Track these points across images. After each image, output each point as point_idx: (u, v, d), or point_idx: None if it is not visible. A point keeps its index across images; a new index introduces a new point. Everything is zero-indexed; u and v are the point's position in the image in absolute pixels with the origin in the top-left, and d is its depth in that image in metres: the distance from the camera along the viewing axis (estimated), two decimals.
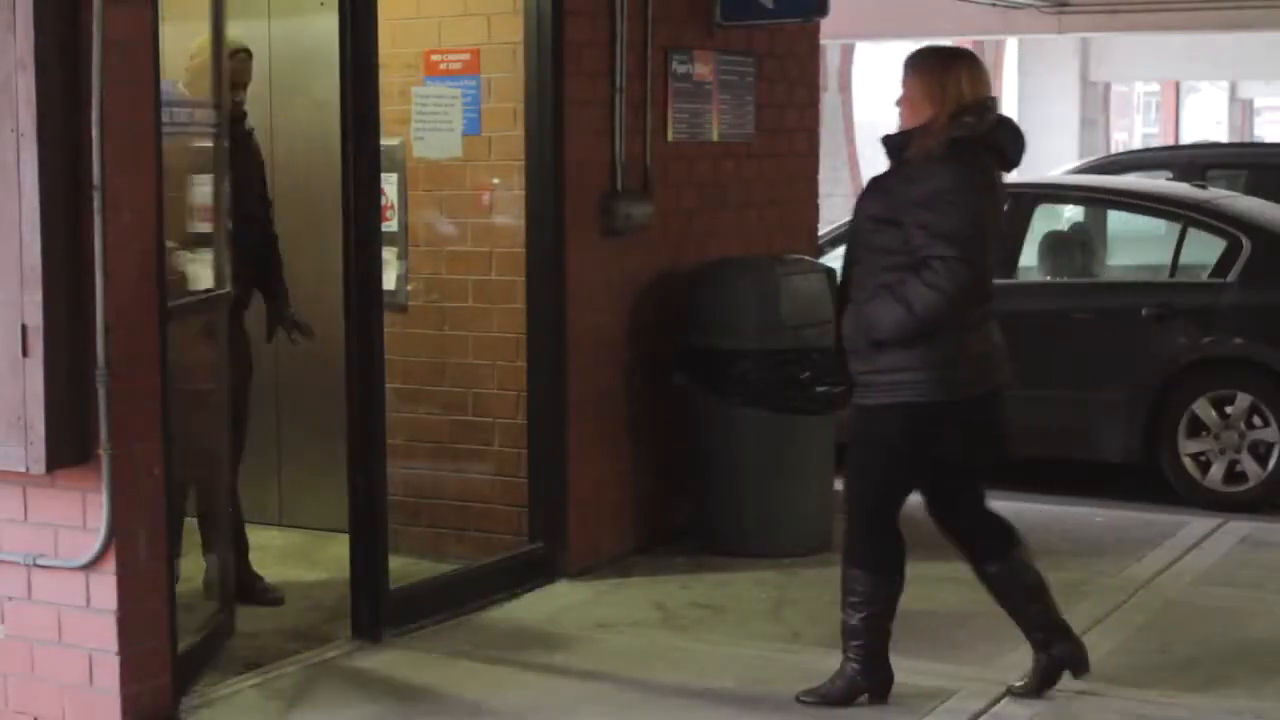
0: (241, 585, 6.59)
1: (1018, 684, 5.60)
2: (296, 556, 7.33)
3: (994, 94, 5.42)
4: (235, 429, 6.53)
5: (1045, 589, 5.58)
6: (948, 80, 5.28)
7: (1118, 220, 10.01)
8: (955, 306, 5.18)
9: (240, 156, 6.44)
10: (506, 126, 7.01)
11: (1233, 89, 36.71)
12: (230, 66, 6.34)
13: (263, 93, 7.52)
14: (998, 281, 8.90)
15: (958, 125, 5.24)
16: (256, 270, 6.63)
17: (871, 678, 5.47)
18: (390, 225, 7.04)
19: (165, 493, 5.29)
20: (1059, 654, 5.55)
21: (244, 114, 6.63)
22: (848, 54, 22.23)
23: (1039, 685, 5.57)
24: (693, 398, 7.44)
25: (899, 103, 5.38)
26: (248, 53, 6.59)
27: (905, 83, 5.38)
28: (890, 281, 5.21)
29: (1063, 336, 9.01)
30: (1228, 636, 6.21)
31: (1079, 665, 5.55)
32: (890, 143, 5.38)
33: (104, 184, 4.96)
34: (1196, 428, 8.67)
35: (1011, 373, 5.51)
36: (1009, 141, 5.39)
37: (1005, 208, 5.49)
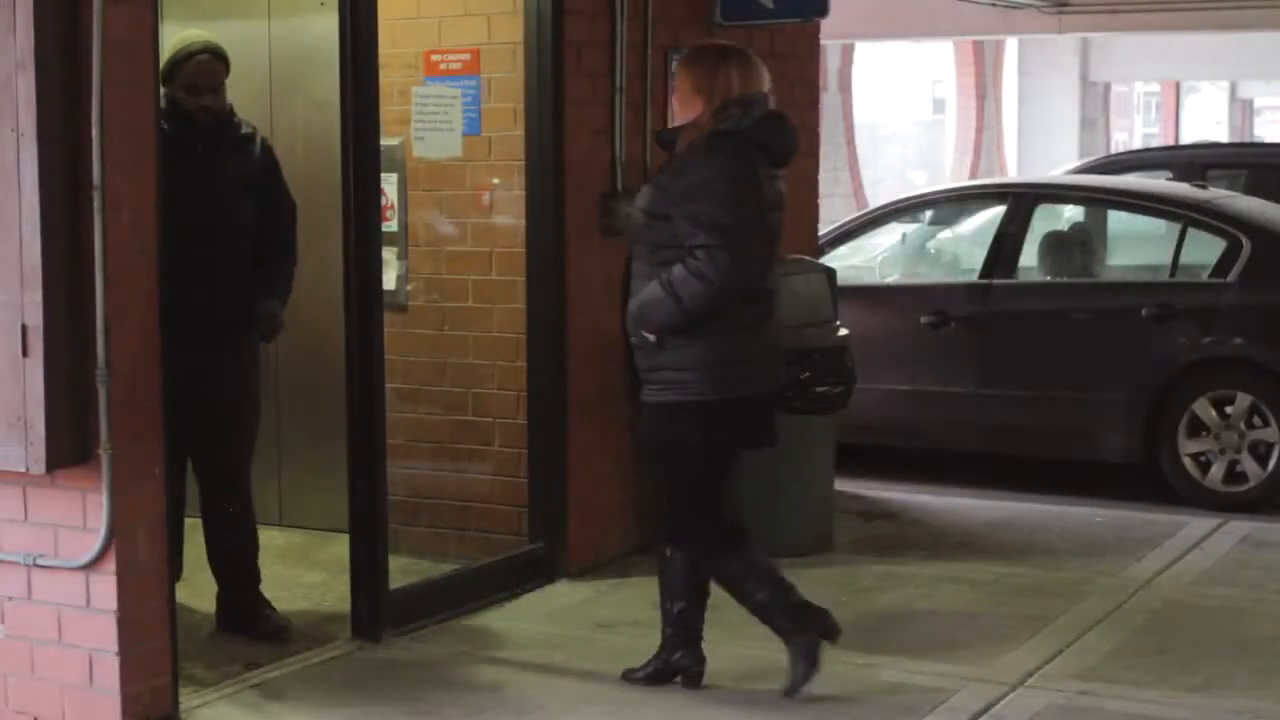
0: (245, 613, 6.31)
1: (638, 670, 5.71)
2: (296, 556, 7.33)
3: (765, 90, 5.49)
4: (232, 453, 6.32)
5: (707, 592, 5.69)
6: (717, 76, 5.38)
7: (1118, 220, 10.01)
8: (721, 294, 5.25)
9: (222, 165, 6.17)
10: (506, 126, 7.02)
11: (1233, 89, 36.74)
12: (189, 69, 6.10)
13: (263, 92, 7.53)
14: (998, 282, 9.15)
15: (721, 119, 5.34)
16: (254, 285, 6.26)
17: (813, 629, 5.51)
18: (390, 225, 7.04)
19: (166, 492, 5.29)
20: (682, 660, 5.68)
21: (225, 119, 6.26)
22: (848, 54, 22.21)
23: (650, 678, 5.70)
24: None
25: (671, 99, 5.53)
26: (212, 53, 6.19)
27: (677, 79, 5.51)
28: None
29: (1063, 336, 9.02)
30: (1228, 636, 6.21)
31: (694, 677, 5.67)
32: (662, 138, 5.55)
33: (104, 184, 4.96)
34: (1196, 428, 8.67)
35: (785, 375, 5.69)
36: (774, 137, 5.45)
37: (780, 203, 5.57)
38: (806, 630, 5.51)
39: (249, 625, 6.25)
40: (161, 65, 5.88)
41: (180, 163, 5.78)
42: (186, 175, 5.89)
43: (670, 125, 5.60)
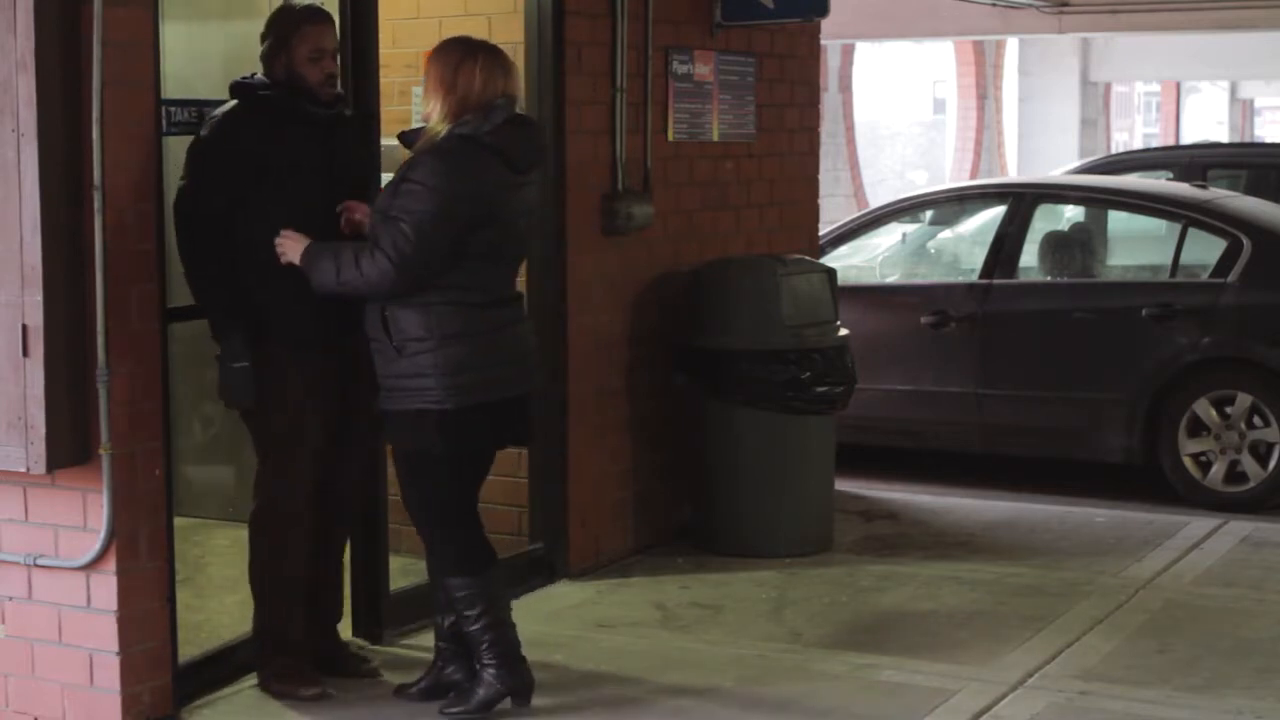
0: (326, 652, 5.85)
1: (411, 686, 5.58)
2: None
3: (514, 93, 5.30)
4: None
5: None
6: (459, 73, 5.19)
7: (1118, 220, 10.01)
8: (371, 293, 5.14)
9: (341, 148, 5.55)
10: None
11: (1233, 89, 36.71)
12: (311, 33, 5.46)
13: None
14: (998, 282, 9.15)
15: (460, 123, 5.17)
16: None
17: (509, 680, 5.37)
18: None
19: (165, 493, 5.29)
20: (454, 674, 5.51)
21: (332, 97, 5.56)
22: (848, 54, 22.20)
23: (424, 694, 5.54)
24: (693, 398, 7.44)
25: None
26: (327, 13, 5.56)
27: (425, 73, 5.30)
28: None
29: (1063, 336, 9.02)
30: (1228, 636, 6.21)
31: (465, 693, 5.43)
32: (404, 139, 5.36)
33: (104, 184, 4.96)
34: (1197, 428, 8.67)
35: (538, 378, 5.54)
36: (514, 145, 5.24)
37: (526, 210, 5.39)
38: (504, 679, 5.35)
39: (338, 662, 5.84)
40: (265, 31, 5.54)
41: (289, 146, 5.41)
42: (300, 160, 5.42)
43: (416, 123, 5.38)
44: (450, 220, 5.11)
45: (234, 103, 5.48)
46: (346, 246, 5.20)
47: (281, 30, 5.48)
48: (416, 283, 5.13)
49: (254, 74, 5.54)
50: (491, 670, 5.34)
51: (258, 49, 5.55)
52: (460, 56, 5.24)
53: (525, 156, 5.31)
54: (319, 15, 5.57)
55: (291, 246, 5.27)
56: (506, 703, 5.39)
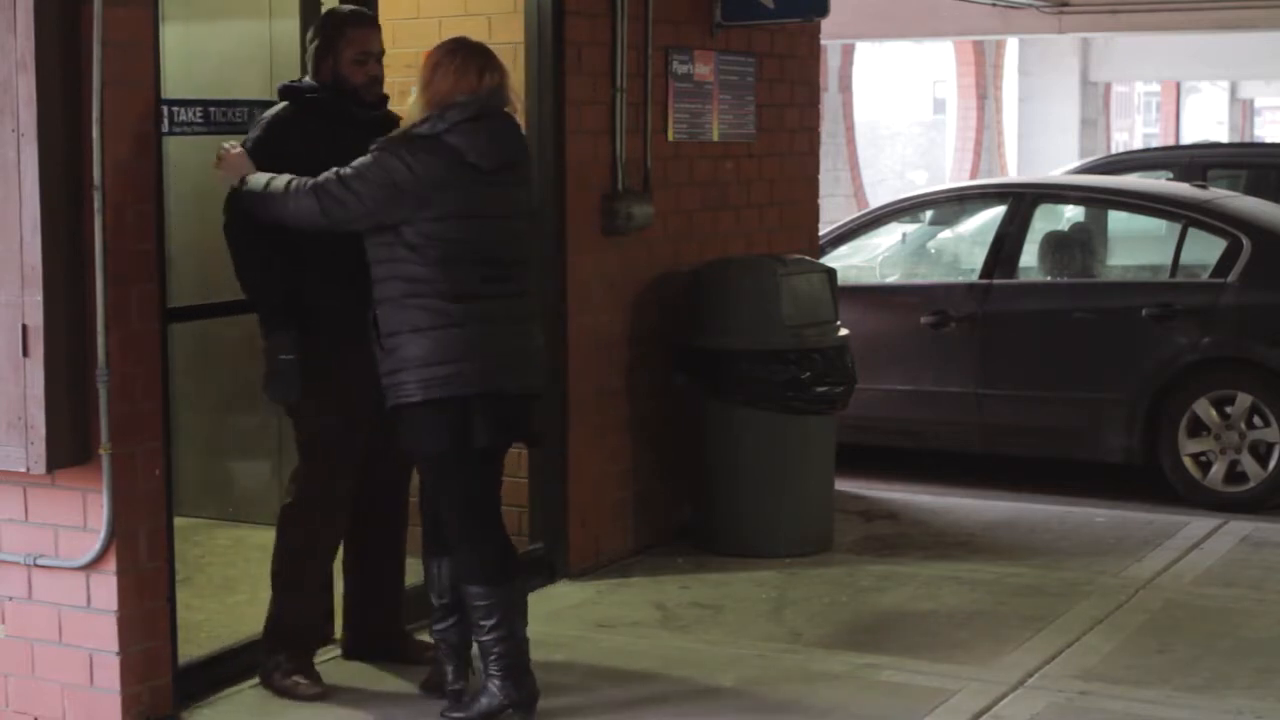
0: (389, 639, 5.99)
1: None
2: None
3: (484, 90, 5.20)
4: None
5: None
6: (435, 73, 5.20)
7: (1118, 220, 10.02)
8: (289, 220, 5.20)
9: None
10: None
11: (1233, 89, 36.72)
12: (359, 36, 5.54)
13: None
14: (998, 282, 9.15)
15: (415, 124, 5.18)
16: None
17: (514, 693, 5.32)
18: None
19: (165, 493, 5.29)
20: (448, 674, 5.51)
21: (376, 99, 5.63)
22: (848, 54, 22.21)
23: (427, 687, 5.60)
24: (693, 398, 7.44)
25: None
26: (371, 15, 5.66)
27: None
28: (384, 275, 5.15)
29: (1063, 336, 9.02)
30: (1228, 636, 6.21)
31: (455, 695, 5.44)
32: None
33: (104, 184, 4.96)
34: (1197, 428, 8.67)
35: (537, 377, 5.45)
36: (472, 143, 5.15)
37: (506, 211, 5.29)
38: (509, 691, 5.28)
39: (400, 649, 5.95)
40: (312, 34, 5.60)
41: (336, 147, 5.36)
42: (347, 161, 5.28)
43: None
44: (390, 190, 5.08)
45: (283, 104, 5.55)
46: (295, 177, 5.19)
47: (328, 33, 5.56)
48: (333, 230, 5.17)
49: (301, 77, 5.61)
50: (497, 681, 5.30)
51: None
52: (440, 57, 5.26)
53: (491, 155, 5.21)
54: (364, 19, 5.66)
55: (233, 159, 5.30)
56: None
